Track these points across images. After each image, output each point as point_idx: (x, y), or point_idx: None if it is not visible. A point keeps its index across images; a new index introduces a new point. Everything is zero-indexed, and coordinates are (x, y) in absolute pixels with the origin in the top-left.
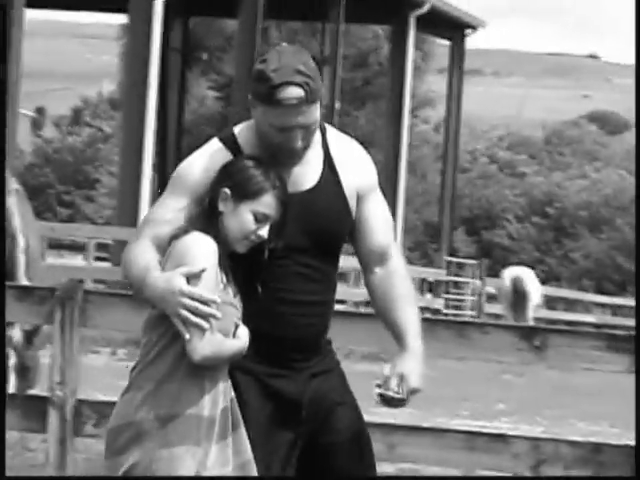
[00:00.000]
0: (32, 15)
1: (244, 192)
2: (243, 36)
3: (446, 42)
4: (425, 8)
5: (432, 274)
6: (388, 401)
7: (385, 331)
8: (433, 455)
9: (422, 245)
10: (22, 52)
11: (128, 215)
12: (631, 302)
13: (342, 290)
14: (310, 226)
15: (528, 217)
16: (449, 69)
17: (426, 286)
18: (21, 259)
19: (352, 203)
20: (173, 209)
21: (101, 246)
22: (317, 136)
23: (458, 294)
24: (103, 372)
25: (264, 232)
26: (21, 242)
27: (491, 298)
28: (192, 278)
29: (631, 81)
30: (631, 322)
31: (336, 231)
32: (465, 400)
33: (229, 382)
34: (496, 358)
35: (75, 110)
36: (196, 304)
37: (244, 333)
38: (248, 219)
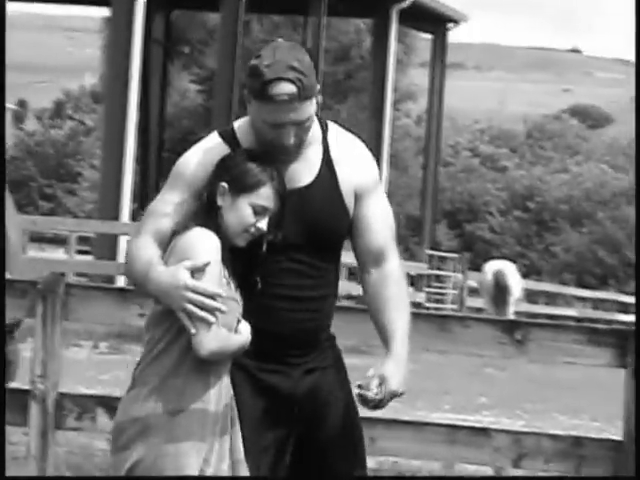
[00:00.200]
0: (14, 7)
1: (242, 185)
2: (225, 29)
3: (428, 36)
4: (407, 2)
5: (414, 268)
6: (367, 402)
7: (365, 324)
8: (414, 448)
9: (404, 239)
10: None
11: (110, 208)
12: (612, 295)
13: None
14: (305, 222)
15: (510, 211)
16: (431, 63)
17: (408, 280)
18: None
19: (349, 201)
20: (173, 203)
21: (83, 239)
22: (317, 133)
23: (440, 288)
24: (85, 365)
25: (263, 224)
26: None
27: (473, 292)
28: (196, 272)
29: (612, 75)
30: (612, 316)
31: (331, 228)
32: (446, 394)
33: (229, 378)
34: (477, 352)
35: (57, 103)
36: (202, 298)
37: (246, 328)
38: (247, 212)
